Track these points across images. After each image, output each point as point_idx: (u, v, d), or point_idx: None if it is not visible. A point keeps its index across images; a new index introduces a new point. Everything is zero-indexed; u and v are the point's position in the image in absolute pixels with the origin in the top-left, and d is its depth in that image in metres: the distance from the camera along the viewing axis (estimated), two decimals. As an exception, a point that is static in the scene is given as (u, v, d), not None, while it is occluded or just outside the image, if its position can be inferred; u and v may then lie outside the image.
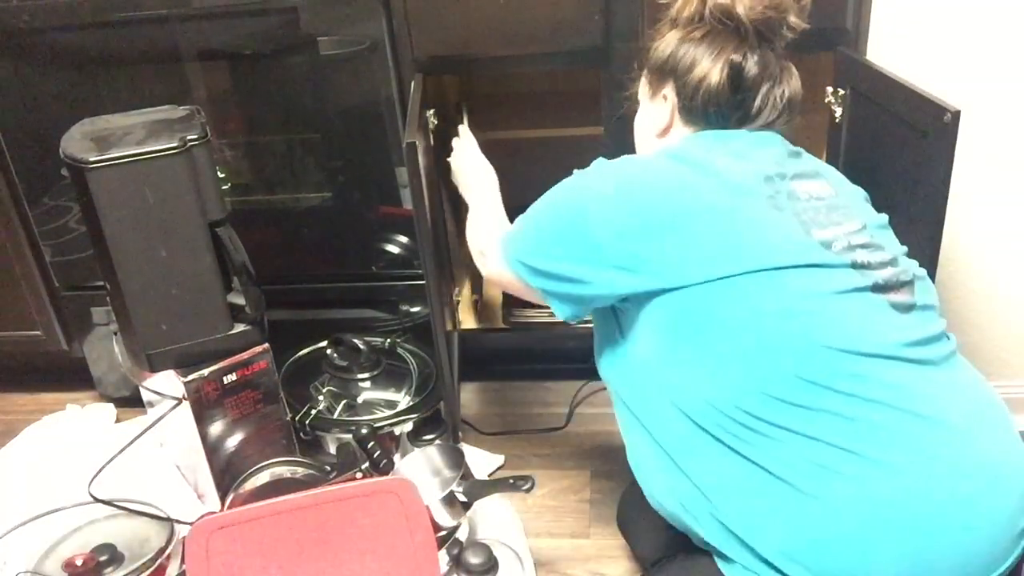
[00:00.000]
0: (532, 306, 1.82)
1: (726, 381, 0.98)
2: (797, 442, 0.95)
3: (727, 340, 0.98)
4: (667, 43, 1.17)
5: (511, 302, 1.84)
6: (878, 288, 1.02)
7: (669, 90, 1.17)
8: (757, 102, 1.14)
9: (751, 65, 1.12)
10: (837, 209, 1.08)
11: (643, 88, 1.24)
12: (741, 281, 0.98)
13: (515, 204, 2.10)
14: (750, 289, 0.98)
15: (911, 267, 1.10)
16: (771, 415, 0.96)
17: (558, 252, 1.11)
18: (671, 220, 1.02)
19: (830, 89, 1.47)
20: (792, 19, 1.13)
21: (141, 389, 1.63)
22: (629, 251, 1.03)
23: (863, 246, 1.05)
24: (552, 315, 1.80)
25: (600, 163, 1.14)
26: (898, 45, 1.46)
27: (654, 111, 1.21)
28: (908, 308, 1.04)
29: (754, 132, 1.14)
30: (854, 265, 1.02)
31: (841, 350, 0.96)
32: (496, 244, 1.23)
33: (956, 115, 1.14)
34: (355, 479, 1.45)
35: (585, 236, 1.06)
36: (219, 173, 1.42)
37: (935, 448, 0.94)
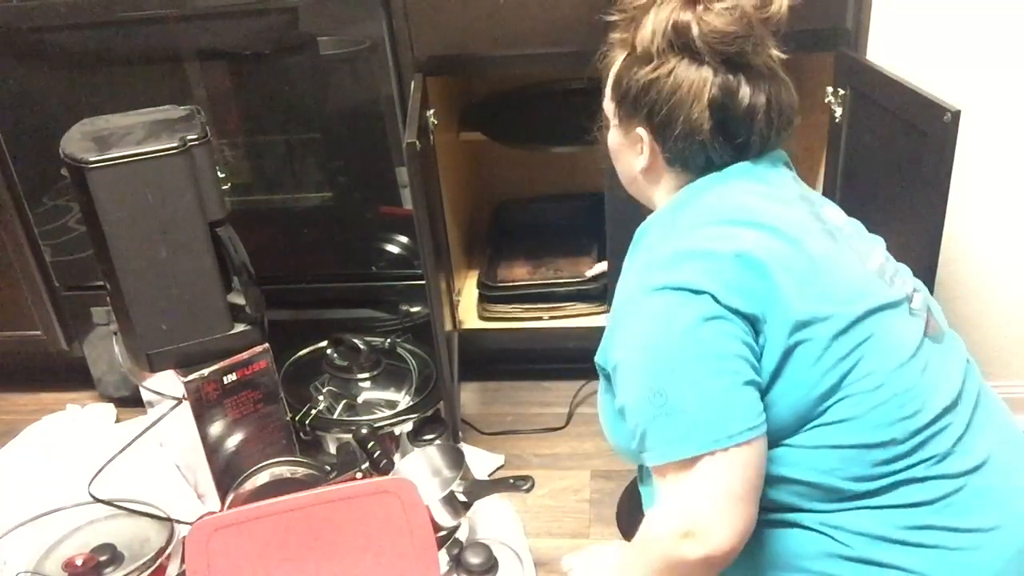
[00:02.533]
0: (508, 301, 1.83)
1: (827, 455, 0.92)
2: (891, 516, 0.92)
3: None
4: (632, 78, 1.01)
5: (485, 298, 1.84)
6: (925, 326, 0.98)
7: (643, 131, 1.03)
8: (755, 136, 1.01)
9: (739, 100, 0.98)
10: (859, 233, 1.05)
11: (609, 109, 1.09)
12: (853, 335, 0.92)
13: (512, 200, 2.12)
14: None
15: (918, 283, 1.07)
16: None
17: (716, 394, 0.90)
18: (777, 296, 0.91)
19: (830, 89, 1.47)
20: (765, 33, 0.99)
21: (141, 389, 1.63)
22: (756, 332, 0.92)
23: (894, 273, 1.02)
24: (527, 312, 1.84)
25: (658, 282, 0.94)
26: (898, 45, 1.46)
27: (629, 147, 1.07)
28: (939, 338, 1.01)
29: (761, 162, 1.03)
30: (907, 298, 0.98)
31: (923, 419, 0.92)
32: (679, 510, 0.90)
33: (956, 115, 1.14)
34: (355, 479, 1.45)
35: (725, 353, 0.90)
36: (219, 173, 1.42)
37: (1006, 493, 0.94)
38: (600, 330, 1.85)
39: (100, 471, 1.48)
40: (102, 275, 1.47)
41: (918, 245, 1.26)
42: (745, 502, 0.87)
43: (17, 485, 1.69)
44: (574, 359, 1.90)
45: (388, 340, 1.78)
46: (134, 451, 1.51)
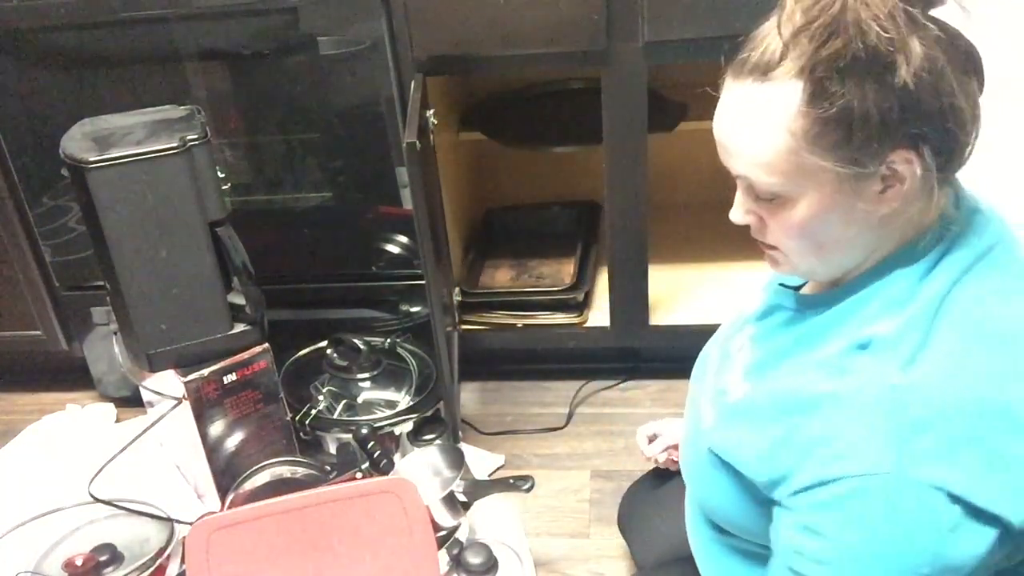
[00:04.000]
0: (488, 309, 1.83)
1: None
2: None
3: None
4: (872, 93, 0.72)
5: (465, 306, 1.84)
6: None
7: (904, 153, 0.74)
8: (969, 144, 0.78)
9: (972, 56, 0.77)
10: None
11: (802, 176, 0.76)
12: None
13: (508, 203, 2.12)
14: None
15: None
16: None
17: None
18: None
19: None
20: None
21: (141, 389, 1.63)
22: None
23: None
24: (508, 315, 1.83)
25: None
26: (898, 45, 1.46)
27: (855, 194, 0.76)
28: None
29: (983, 214, 0.82)
30: None
31: None
32: None
33: (956, 115, 1.14)
34: (355, 479, 1.45)
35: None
36: (219, 173, 1.42)
37: None
38: (601, 329, 1.85)
39: (100, 471, 1.48)
40: (102, 275, 1.47)
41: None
42: None
43: (17, 485, 1.69)
44: (574, 359, 1.90)
45: (388, 340, 1.78)
46: (134, 451, 1.51)
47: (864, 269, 0.82)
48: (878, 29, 0.70)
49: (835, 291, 0.85)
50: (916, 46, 0.71)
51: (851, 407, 0.75)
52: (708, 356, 1.06)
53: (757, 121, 0.76)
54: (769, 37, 0.76)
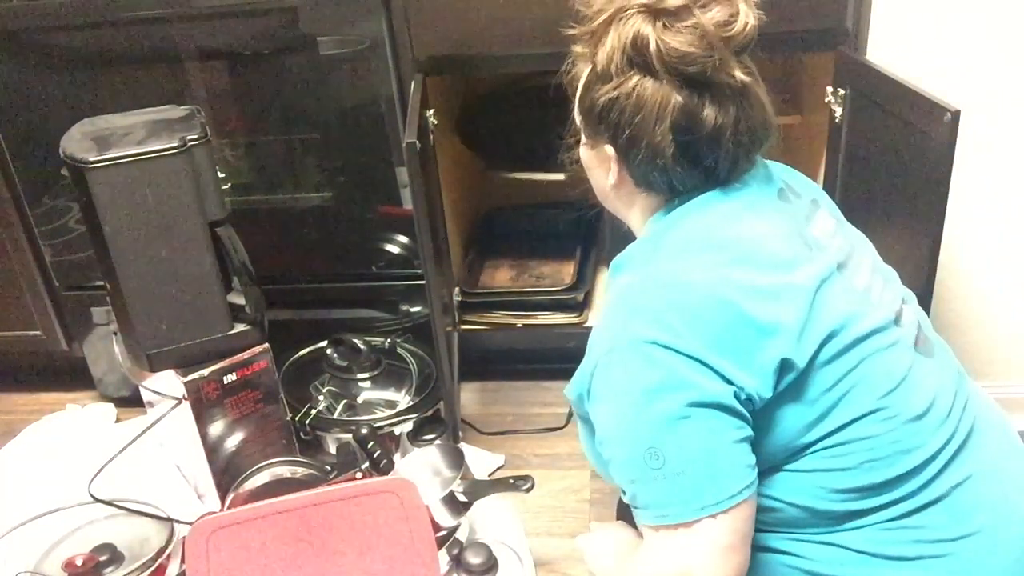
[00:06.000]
0: (488, 309, 1.83)
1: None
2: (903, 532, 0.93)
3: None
4: (594, 94, 0.97)
5: (465, 306, 1.84)
6: (913, 340, 0.97)
7: (610, 149, 0.99)
8: (722, 160, 0.96)
9: (703, 122, 0.93)
10: (852, 248, 1.02)
11: (579, 122, 1.05)
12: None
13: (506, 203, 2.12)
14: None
15: (907, 293, 1.06)
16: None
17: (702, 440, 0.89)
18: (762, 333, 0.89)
19: (830, 89, 1.47)
20: (728, 54, 0.92)
21: (141, 389, 1.63)
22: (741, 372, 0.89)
23: (882, 288, 0.99)
24: (508, 315, 1.83)
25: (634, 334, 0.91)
26: (898, 45, 1.46)
27: (599, 163, 1.04)
28: (930, 351, 1.00)
29: (732, 186, 0.98)
30: (895, 318, 0.96)
31: (915, 428, 0.92)
32: (662, 541, 0.91)
33: (956, 115, 1.14)
34: (355, 479, 1.45)
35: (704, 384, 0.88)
36: (219, 173, 1.42)
37: (991, 499, 0.95)
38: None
39: (100, 471, 1.48)
40: (102, 275, 1.47)
41: (918, 245, 1.26)
42: (739, 551, 0.89)
43: (17, 485, 1.69)
44: (574, 359, 1.90)
45: (388, 340, 1.78)
46: (134, 451, 1.51)
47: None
48: (601, 55, 0.95)
49: None
50: (628, 83, 0.94)
51: (602, 313, 0.98)
52: None
53: (578, 74, 1.03)
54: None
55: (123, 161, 1.32)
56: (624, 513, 1.44)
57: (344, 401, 1.69)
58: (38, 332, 1.88)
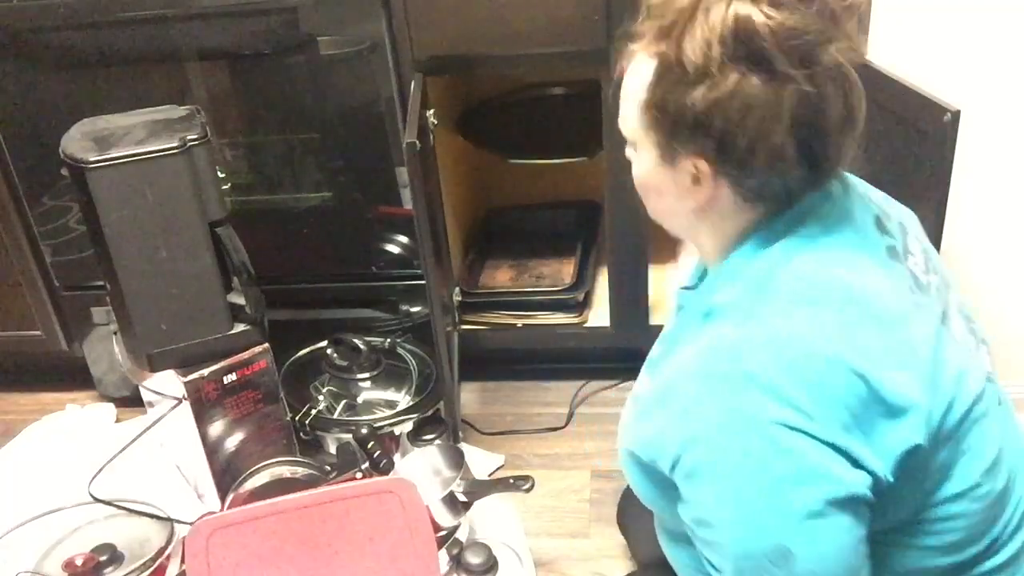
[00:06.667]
0: (488, 309, 1.83)
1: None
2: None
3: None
4: (683, 101, 0.79)
5: (465, 306, 1.84)
6: (997, 396, 0.91)
7: (702, 164, 0.82)
8: (834, 157, 0.83)
9: (825, 114, 0.79)
10: (944, 283, 0.93)
11: (637, 136, 0.87)
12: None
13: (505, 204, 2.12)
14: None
15: (980, 329, 0.97)
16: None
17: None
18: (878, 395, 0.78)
19: (830, 89, 1.47)
20: (846, 26, 0.79)
21: (141, 389, 1.63)
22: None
23: (966, 330, 0.91)
24: (508, 315, 1.83)
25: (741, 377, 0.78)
26: (898, 45, 1.46)
27: (674, 183, 0.86)
28: (1005, 401, 0.93)
29: (834, 194, 0.87)
30: (989, 377, 0.89)
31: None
32: None
33: (956, 115, 1.14)
34: (355, 479, 1.45)
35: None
36: (219, 173, 1.42)
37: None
38: (601, 329, 1.85)
39: (100, 471, 1.48)
40: (102, 275, 1.47)
41: (918, 245, 1.26)
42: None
43: (17, 485, 1.69)
44: (574, 359, 1.90)
45: (388, 340, 1.78)
46: (134, 451, 1.51)
47: (715, 259, 0.91)
48: (691, 50, 0.77)
49: (702, 282, 0.94)
50: (728, 80, 0.77)
51: (694, 367, 0.82)
52: None
53: (631, 76, 0.86)
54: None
55: (123, 161, 1.32)
56: (624, 518, 1.44)
57: (344, 401, 1.69)
58: (38, 332, 1.88)
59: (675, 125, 0.81)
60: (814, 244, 0.83)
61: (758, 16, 0.75)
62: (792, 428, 0.75)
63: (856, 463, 0.76)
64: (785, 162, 0.80)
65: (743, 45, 0.76)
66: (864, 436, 0.77)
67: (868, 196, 0.92)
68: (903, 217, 0.96)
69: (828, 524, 0.76)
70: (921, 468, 0.79)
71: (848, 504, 0.76)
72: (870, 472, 0.77)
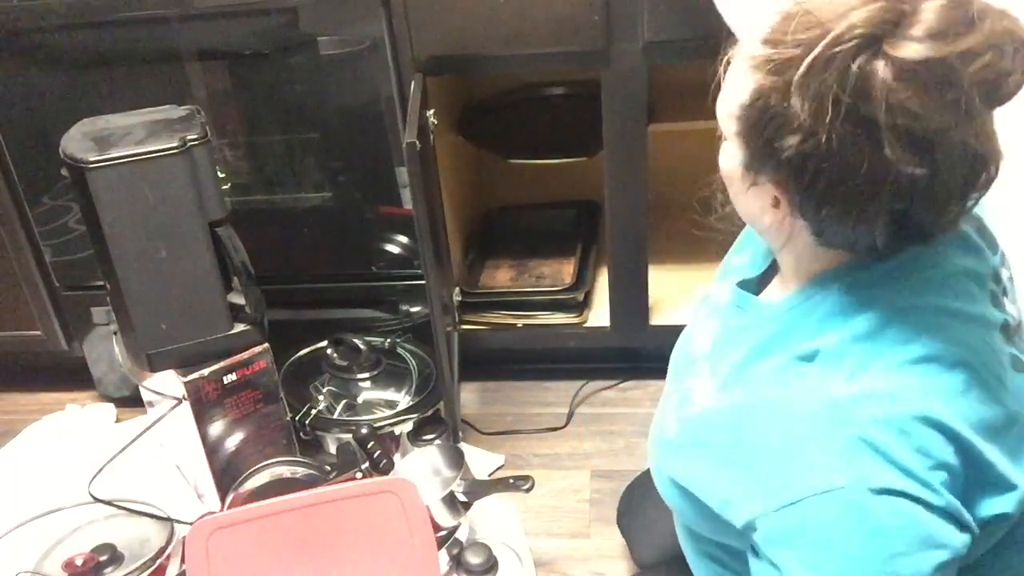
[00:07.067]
0: (488, 309, 1.82)
1: None
2: None
3: None
4: (780, 133, 0.72)
5: (465, 306, 1.83)
6: None
7: (781, 194, 0.77)
8: (940, 226, 0.76)
9: (930, 192, 0.71)
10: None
11: (730, 129, 0.80)
12: None
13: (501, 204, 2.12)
14: None
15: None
16: None
17: None
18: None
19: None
20: (973, 86, 0.68)
21: (141, 389, 1.63)
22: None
23: None
24: (508, 315, 1.83)
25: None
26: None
27: (755, 192, 0.80)
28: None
29: (945, 261, 0.81)
30: None
31: None
32: None
33: (956, 115, 1.14)
34: (355, 479, 1.45)
35: None
36: (219, 173, 1.42)
37: None
38: (601, 329, 1.85)
39: (100, 471, 1.48)
40: (102, 275, 1.47)
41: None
42: None
43: (17, 485, 1.69)
44: (574, 359, 1.90)
45: (388, 340, 1.78)
46: (134, 451, 1.51)
47: (805, 279, 0.84)
48: (799, 103, 0.70)
49: (785, 299, 0.86)
50: (833, 137, 0.69)
51: (796, 422, 0.76)
52: (676, 356, 1.05)
53: (731, 79, 0.79)
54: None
55: (123, 161, 1.32)
56: (624, 518, 1.44)
57: (344, 401, 1.69)
58: (38, 332, 1.88)
59: (762, 155, 0.76)
60: (924, 293, 0.78)
61: (879, 84, 0.67)
62: (913, 499, 0.72)
63: (964, 526, 0.74)
64: (869, 224, 0.74)
65: (857, 109, 0.68)
66: (971, 502, 0.75)
67: (981, 247, 0.85)
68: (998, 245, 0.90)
69: None
70: (997, 531, 0.79)
71: (953, 564, 0.74)
72: (973, 532, 0.75)
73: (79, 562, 1.35)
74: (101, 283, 1.51)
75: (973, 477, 0.75)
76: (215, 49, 1.61)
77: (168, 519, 1.45)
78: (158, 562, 1.38)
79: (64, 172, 1.37)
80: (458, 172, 1.92)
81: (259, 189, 1.75)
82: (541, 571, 1.46)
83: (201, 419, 1.48)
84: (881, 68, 0.67)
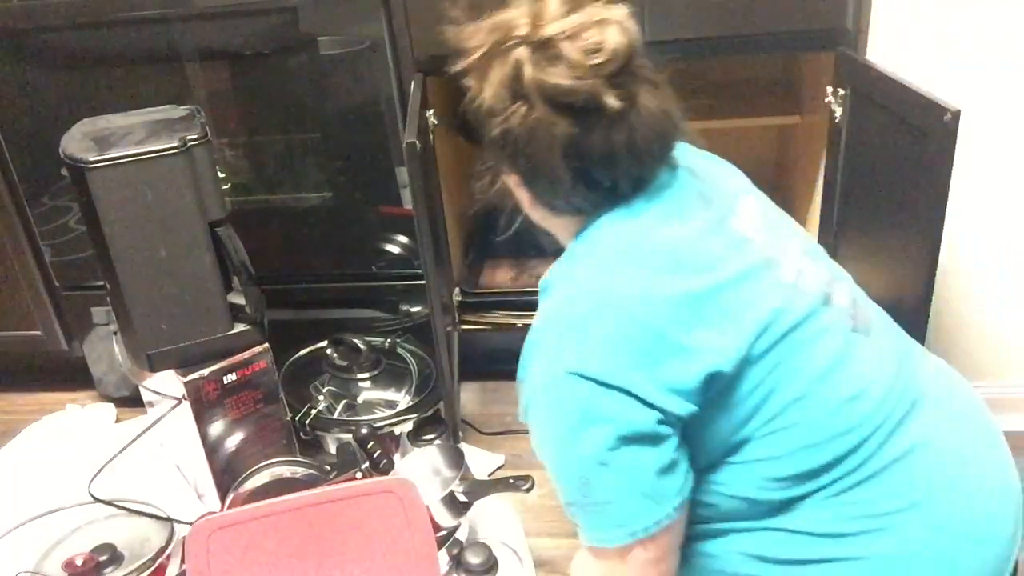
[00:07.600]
0: (488, 309, 1.82)
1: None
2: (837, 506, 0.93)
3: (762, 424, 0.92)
4: (488, 123, 0.96)
5: (465, 306, 1.83)
6: (847, 320, 0.96)
7: (513, 176, 0.99)
8: (622, 179, 0.94)
9: (590, 149, 0.91)
10: (779, 235, 1.00)
11: (511, 182, 1.02)
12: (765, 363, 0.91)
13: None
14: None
15: (839, 271, 1.04)
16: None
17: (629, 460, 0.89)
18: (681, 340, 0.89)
19: (830, 89, 1.47)
20: (601, 82, 0.89)
21: (141, 389, 1.63)
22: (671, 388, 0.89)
23: (814, 269, 0.98)
24: (508, 315, 1.83)
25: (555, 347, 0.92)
26: (898, 45, 1.46)
27: (513, 187, 1.02)
28: (867, 330, 0.98)
29: (640, 197, 0.96)
30: (826, 302, 0.95)
31: (851, 411, 0.92)
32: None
33: (956, 115, 1.14)
34: (355, 479, 1.45)
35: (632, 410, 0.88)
36: (219, 173, 1.42)
37: (934, 472, 0.94)
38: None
39: (100, 471, 1.48)
40: (102, 275, 1.47)
41: (918, 245, 1.26)
42: (669, 560, 0.94)
43: (17, 485, 1.69)
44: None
45: (388, 340, 1.78)
46: (134, 451, 1.51)
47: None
48: (489, 90, 0.93)
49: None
50: (515, 115, 0.91)
51: (533, 332, 0.97)
52: None
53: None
54: None
55: (123, 161, 1.33)
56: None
57: (344, 401, 1.69)
58: (38, 332, 1.88)
59: (488, 144, 0.97)
60: (621, 221, 0.95)
61: (528, 71, 0.89)
62: (586, 377, 0.87)
63: (647, 403, 0.87)
64: (563, 184, 0.93)
65: (521, 89, 0.90)
66: (659, 379, 0.87)
67: (690, 176, 1.00)
68: (738, 184, 1.05)
69: (617, 459, 0.88)
70: (734, 388, 0.89)
71: (637, 440, 0.87)
72: (662, 409, 0.87)
73: (79, 562, 1.35)
74: (101, 283, 1.51)
75: (662, 352, 0.87)
76: (215, 49, 1.61)
77: (168, 519, 1.45)
78: (158, 562, 1.38)
79: (64, 172, 1.37)
80: (458, 172, 1.92)
81: (259, 189, 1.75)
82: (541, 571, 1.46)
83: (201, 419, 1.48)
84: (529, 60, 0.90)
